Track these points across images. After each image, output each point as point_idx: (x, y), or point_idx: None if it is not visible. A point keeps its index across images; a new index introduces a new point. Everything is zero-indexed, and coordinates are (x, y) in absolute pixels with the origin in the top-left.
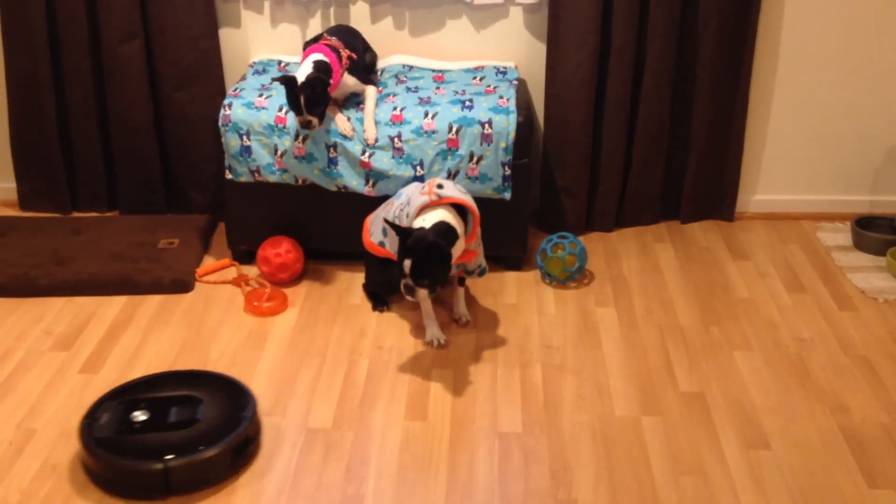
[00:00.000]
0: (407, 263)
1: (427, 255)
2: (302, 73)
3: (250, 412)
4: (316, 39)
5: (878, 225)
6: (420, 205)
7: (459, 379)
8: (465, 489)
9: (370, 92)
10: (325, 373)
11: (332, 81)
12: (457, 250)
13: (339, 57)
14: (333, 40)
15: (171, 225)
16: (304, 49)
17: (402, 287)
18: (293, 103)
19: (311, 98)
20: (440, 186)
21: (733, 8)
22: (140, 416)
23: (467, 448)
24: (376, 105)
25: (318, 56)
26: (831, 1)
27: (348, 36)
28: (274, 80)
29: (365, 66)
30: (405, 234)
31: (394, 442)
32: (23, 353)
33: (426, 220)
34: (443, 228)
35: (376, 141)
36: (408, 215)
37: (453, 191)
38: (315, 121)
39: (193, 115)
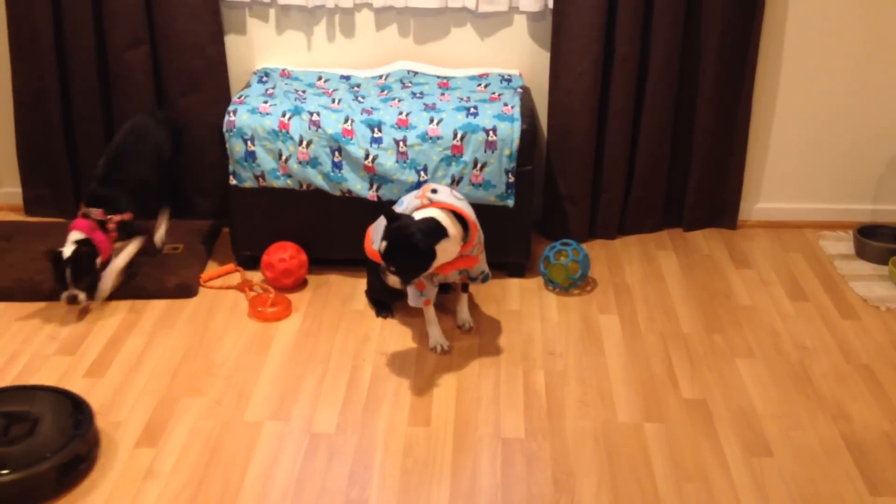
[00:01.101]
0: (383, 245)
1: (401, 241)
2: (67, 249)
3: (84, 430)
4: (90, 200)
5: (880, 234)
6: (413, 208)
7: (462, 385)
8: (468, 495)
9: (133, 243)
10: (328, 378)
11: (99, 259)
12: (448, 252)
13: (106, 229)
14: (94, 212)
15: (175, 230)
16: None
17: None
18: (58, 277)
19: (77, 270)
20: (434, 191)
21: (736, 17)
22: None
23: (470, 454)
24: (130, 258)
25: (80, 235)
26: (834, 11)
27: (118, 180)
28: (43, 252)
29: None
30: (392, 219)
31: (397, 447)
32: (28, 357)
33: (414, 216)
34: (431, 224)
35: (100, 295)
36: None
37: (447, 196)
38: (82, 295)
39: (198, 121)
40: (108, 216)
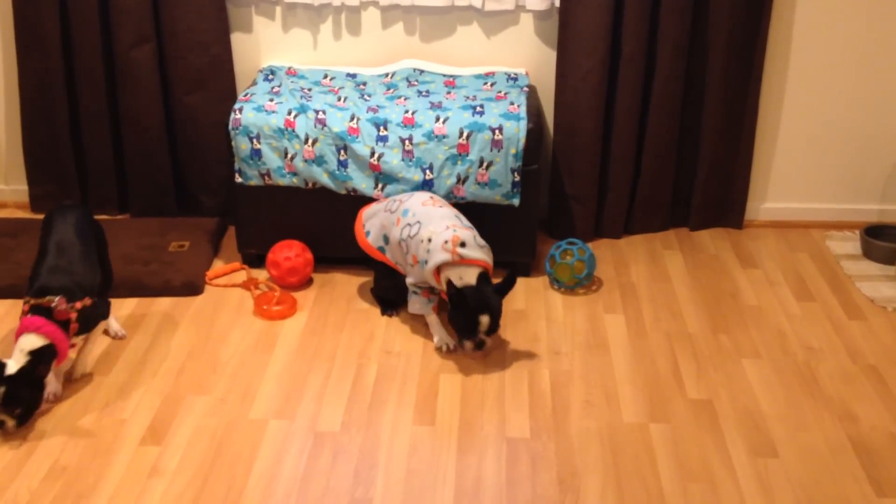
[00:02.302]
0: (484, 320)
1: (497, 307)
2: (14, 362)
3: None
4: (41, 291)
5: (887, 234)
6: (441, 261)
7: (467, 384)
8: (473, 494)
9: (96, 330)
10: (333, 376)
11: (55, 361)
12: None
13: (67, 322)
14: (56, 301)
15: (181, 228)
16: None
17: (470, 344)
18: None
19: (12, 396)
20: (463, 244)
21: (744, 16)
22: None
23: (475, 453)
24: (93, 346)
25: (38, 341)
26: (842, 10)
27: (73, 264)
28: None
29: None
30: (463, 295)
31: (402, 446)
32: None
33: (464, 280)
34: (487, 280)
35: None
36: (427, 252)
37: (476, 251)
38: (11, 423)
39: (204, 118)
40: (70, 304)
